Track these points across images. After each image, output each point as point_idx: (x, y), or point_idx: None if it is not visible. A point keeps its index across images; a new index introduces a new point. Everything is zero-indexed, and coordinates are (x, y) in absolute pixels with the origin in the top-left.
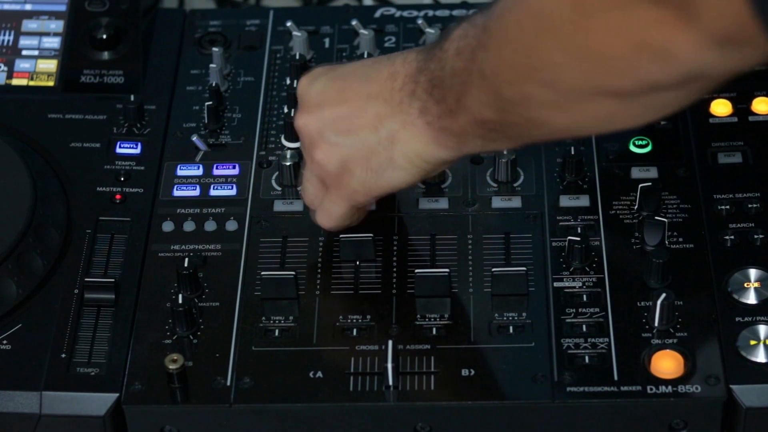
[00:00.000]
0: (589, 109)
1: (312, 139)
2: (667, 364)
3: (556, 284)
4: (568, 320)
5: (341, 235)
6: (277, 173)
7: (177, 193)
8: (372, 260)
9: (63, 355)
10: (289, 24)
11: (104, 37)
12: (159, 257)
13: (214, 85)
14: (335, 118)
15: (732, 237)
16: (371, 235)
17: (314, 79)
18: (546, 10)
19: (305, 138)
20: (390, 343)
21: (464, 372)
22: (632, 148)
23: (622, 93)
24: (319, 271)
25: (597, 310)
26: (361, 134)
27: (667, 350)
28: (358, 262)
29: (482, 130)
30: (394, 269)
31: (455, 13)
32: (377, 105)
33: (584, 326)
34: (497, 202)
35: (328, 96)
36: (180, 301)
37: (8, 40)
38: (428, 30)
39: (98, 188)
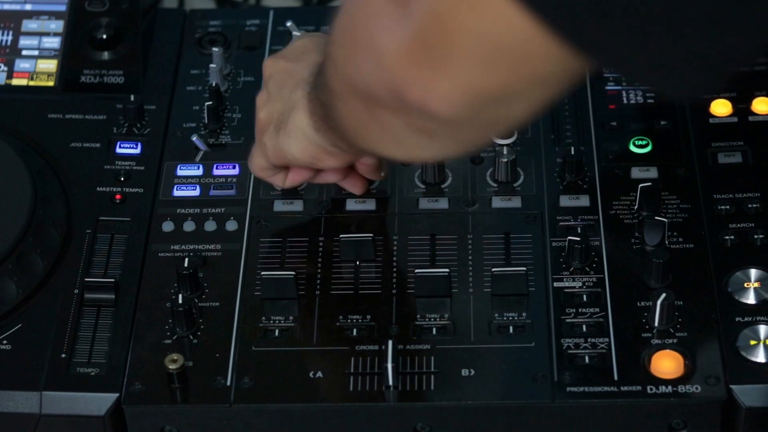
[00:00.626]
0: (349, 107)
1: (263, 82)
2: (667, 364)
3: (556, 284)
4: (568, 320)
5: (341, 236)
6: None
7: (177, 193)
8: (372, 260)
9: (63, 355)
10: (289, 24)
11: (104, 37)
12: (159, 257)
13: (214, 85)
14: (282, 71)
15: (732, 237)
16: (371, 235)
17: (307, 36)
18: None
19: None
20: (390, 343)
21: (464, 372)
22: (632, 148)
23: (358, 92)
24: (319, 271)
25: (597, 310)
26: (285, 92)
27: (667, 350)
28: (358, 262)
29: (323, 110)
30: (394, 269)
31: None
32: (308, 70)
33: (584, 326)
34: (497, 202)
35: (295, 52)
36: (180, 301)
37: (8, 40)
38: None
39: (98, 188)
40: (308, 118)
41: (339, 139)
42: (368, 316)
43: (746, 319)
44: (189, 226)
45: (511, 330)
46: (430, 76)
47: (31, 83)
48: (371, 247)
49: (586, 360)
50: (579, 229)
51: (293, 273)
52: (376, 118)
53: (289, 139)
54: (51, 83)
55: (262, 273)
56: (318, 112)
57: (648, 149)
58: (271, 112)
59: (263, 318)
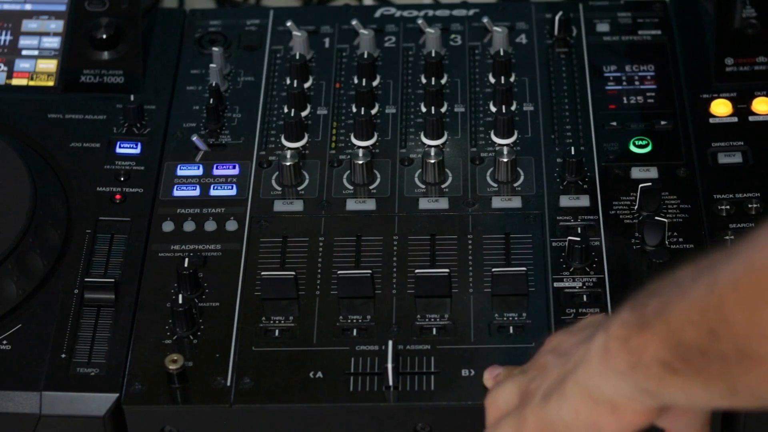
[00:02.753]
0: None
1: (539, 354)
2: None
3: (556, 284)
4: (568, 320)
5: (339, 272)
6: (277, 173)
7: (177, 193)
8: (371, 296)
9: (63, 355)
10: (289, 24)
11: (104, 37)
12: (159, 257)
13: (214, 85)
14: (564, 341)
15: (732, 237)
16: (370, 271)
17: (598, 316)
18: None
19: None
20: (390, 343)
21: (464, 372)
22: (632, 148)
23: None
24: (319, 271)
25: (597, 310)
26: (562, 359)
27: None
28: (358, 261)
29: (674, 356)
30: (394, 269)
31: (455, 13)
32: (593, 332)
33: None
34: (497, 202)
35: (582, 327)
36: (180, 301)
37: (8, 40)
38: (428, 30)
39: (98, 188)
40: (607, 367)
41: (706, 389)
42: (368, 316)
43: None
44: (189, 226)
45: (511, 330)
46: None
47: (31, 83)
48: (370, 283)
49: None
50: (579, 229)
51: (293, 273)
52: None
53: (563, 403)
54: (51, 83)
55: (262, 273)
56: (660, 359)
57: (648, 149)
58: (541, 383)
59: (263, 318)
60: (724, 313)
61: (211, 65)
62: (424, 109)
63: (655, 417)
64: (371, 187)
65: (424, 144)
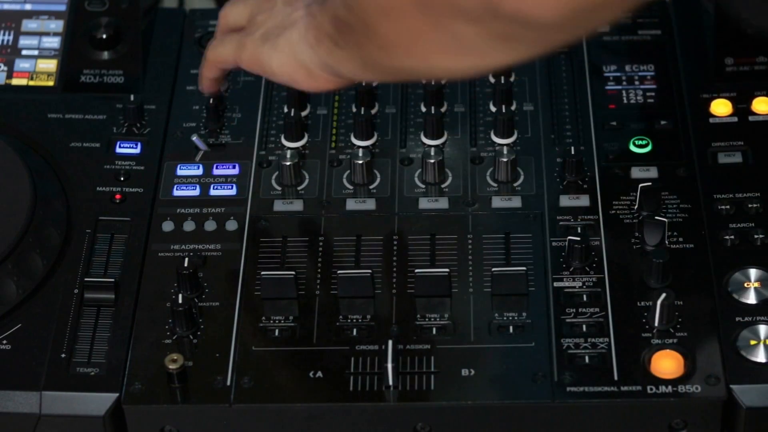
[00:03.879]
0: (402, 22)
1: None
2: (667, 364)
3: (556, 284)
4: (568, 320)
5: (339, 272)
6: (277, 173)
7: (177, 192)
8: (370, 296)
9: (63, 355)
10: None
11: (104, 37)
12: (159, 257)
13: None
14: None
15: (732, 237)
16: (370, 271)
17: None
18: None
19: None
20: (390, 343)
21: (464, 372)
22: (632, 148)
23: (427, 5)
24: (319, 271)
25: (597, 310)
26: (288, 9)
27: (667, 350)
28: (358, 261)
29: (333, 28)
30: (394, 269)
31: None
32: None
33: (584, 326)
34: (497, 202)
35: None
36: (180, 301)
37: (8, 40)
38: None
39: (98, 188)
40: (305, 38)
41: (353, 60)
42: (368, 316)
43: (746, 319)
44: (189, 226)
45: (511, 330)
46: None
47: (31, 83)
48: (370, 283)
49: (586, 360)
50: (579, 229)
51: (293, 273)
52: (443, 29)
53: (274, 53)
54: (51, 83)
55: (262, 273)
56: (328, 32)
57: (648, 149)
58: (266, 19)
59: (263, 318)
60: None
61: None
62: (424, 109)
63: (342, 84)
64: (371, 187)
65: (424, 144)
